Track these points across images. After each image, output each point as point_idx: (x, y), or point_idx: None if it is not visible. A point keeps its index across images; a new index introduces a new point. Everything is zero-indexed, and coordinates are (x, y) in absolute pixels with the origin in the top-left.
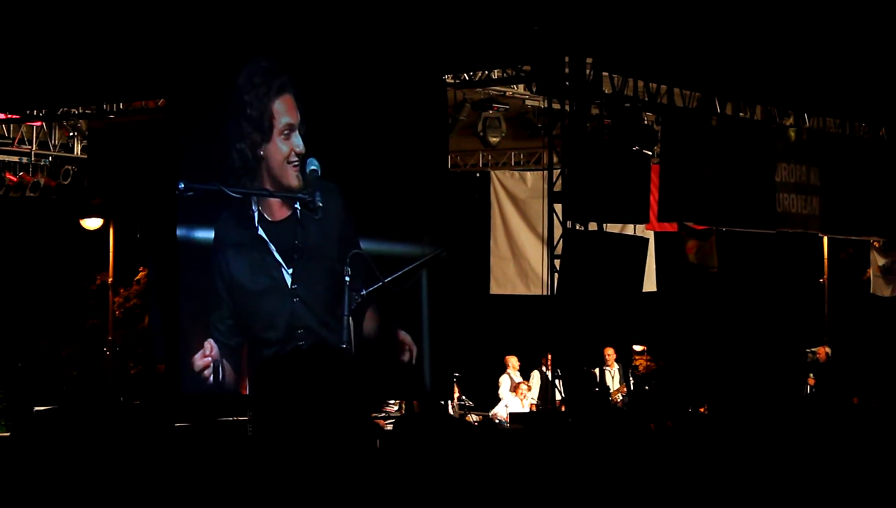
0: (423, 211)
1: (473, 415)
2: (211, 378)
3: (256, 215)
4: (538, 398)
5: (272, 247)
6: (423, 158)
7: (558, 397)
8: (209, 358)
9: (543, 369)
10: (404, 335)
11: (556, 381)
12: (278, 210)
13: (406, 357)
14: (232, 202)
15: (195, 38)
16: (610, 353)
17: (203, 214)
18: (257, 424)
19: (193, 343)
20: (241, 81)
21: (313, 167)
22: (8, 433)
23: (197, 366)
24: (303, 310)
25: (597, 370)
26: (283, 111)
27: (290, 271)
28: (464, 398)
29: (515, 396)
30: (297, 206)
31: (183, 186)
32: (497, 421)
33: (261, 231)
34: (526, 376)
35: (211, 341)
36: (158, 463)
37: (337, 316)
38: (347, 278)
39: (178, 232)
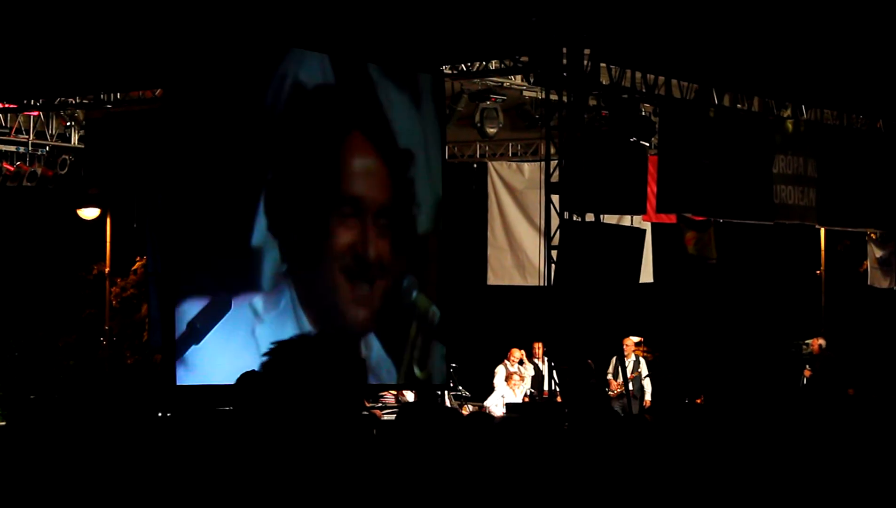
0: None
1: (470, 405)
2: None
3: None
4: (531, 388)
5: None
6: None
7: (551, 387)
8: None
9: (535, 360)
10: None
11: (551, 371)
12: None
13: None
14: None
15: (193, 26)
16: (628, 343)
17: None
18: (257, 412)
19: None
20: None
21: None
22: (4, 423)
23: None
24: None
25: (614, 359)
26: None
27: None
28: (460, 388)
29: (508, 386)
30: None
31: None
32: (488, 412)
33: None
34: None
35: None
36: (149, 455)
37: None
38: None
39: None
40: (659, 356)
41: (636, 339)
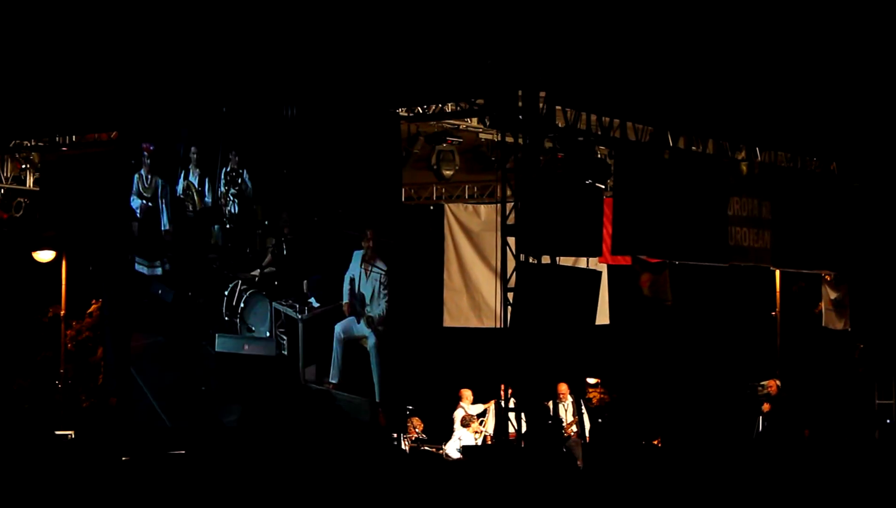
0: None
1: (427, 448)
2: None
3: None
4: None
5: None
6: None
7: (511, 430)
8: None
9: (502, 402)
10: None
11: (511, 414)
12: None
13: None
14: None
15: (148, 71)
16: (564, 389)
17: None
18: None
19: None
20: None
21: None
22: None
23: None
24: None
25: (550, 404)
26: None
27: None
28: (417, 430)
29: (468, 431)
30: None
31: None
32: (445, 456)
33: None
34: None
35: None
36: (105, 497)
37: None
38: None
39: None
40: (616, 398)
41: (592, 381)
